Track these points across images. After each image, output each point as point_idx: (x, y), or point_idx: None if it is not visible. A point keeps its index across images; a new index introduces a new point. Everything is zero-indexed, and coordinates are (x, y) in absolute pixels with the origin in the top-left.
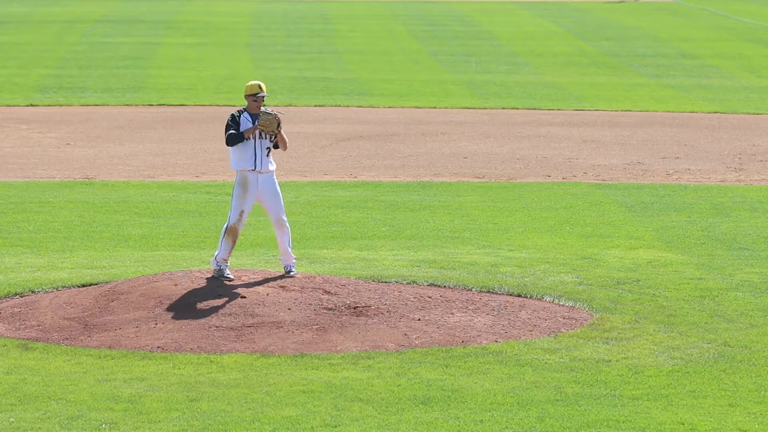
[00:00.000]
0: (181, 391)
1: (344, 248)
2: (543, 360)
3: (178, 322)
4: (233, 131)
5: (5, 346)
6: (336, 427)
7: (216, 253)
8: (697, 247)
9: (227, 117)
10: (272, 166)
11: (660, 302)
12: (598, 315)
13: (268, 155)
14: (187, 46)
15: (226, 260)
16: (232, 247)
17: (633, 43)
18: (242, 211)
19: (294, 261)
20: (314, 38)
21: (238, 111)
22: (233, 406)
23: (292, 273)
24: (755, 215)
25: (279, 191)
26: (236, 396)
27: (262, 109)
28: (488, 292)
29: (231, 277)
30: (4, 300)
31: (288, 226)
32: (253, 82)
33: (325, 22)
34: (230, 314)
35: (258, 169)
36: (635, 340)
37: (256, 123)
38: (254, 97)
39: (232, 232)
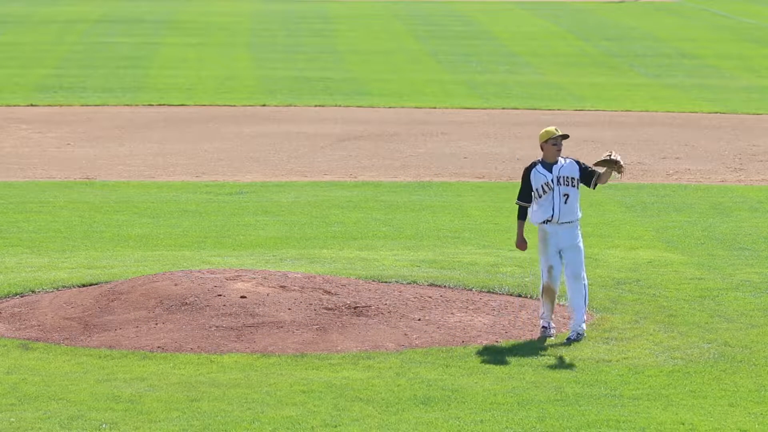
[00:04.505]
0: (181, 391)
1: (344, 248)
2: (543, 360)
3: (178, 322)
4: (524, 202)
5: (5, 346)
6: (336, 427)
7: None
8: (697, 247)
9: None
10: (574, 216)
11: (660, 302)
12: (598, 315)
13: (566, 202)
14: (187, 46)
15: (549, 319)
16: (552, 306)
17: (633, 43)
18: (551, 267)
19: (584, 326)
20: (314, 38)
21: (532, 163)
22: (233, 406)
23: (578, 338)
24: (755, 215)
25: (581, 245)
26: (236, 396)
27: (605, 156)
28: (488, 292)
29: (552, 334)
30: (4, 300)
31: (586, 284)
32: (548, 128)
33: (325, 22)
34: (230, 314)
35: (556, 219)
36: (635, 340)
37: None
38: (554, 140)
39: (548, 292)
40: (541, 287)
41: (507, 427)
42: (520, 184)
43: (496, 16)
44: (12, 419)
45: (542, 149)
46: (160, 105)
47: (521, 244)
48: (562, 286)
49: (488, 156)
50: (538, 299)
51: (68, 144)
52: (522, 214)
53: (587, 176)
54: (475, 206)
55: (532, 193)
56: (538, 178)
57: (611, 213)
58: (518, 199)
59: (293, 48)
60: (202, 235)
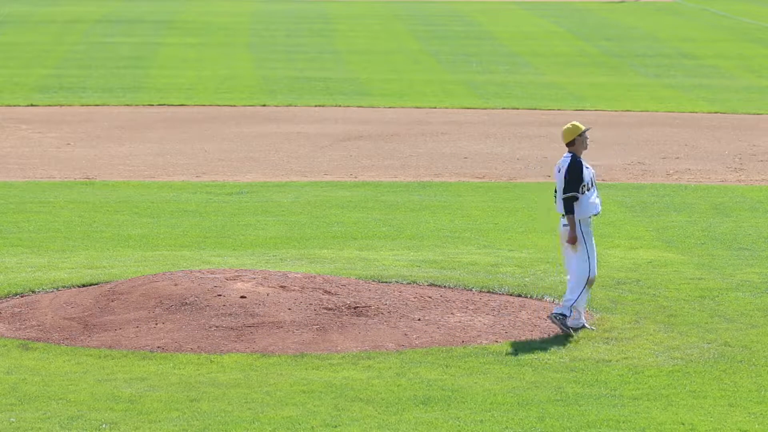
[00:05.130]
0: (181, 391)
1: (344, 248)
2: (543, 360)
3: (178, 322)
4: (579, 193)
5: (5, 346)
6: (336, 427)
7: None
8: (697, 247)
9: (570, 165)
10: None
11: (660, 302)
12: (598, 315)
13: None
14: (187, 46)
15: (580, 312)
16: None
17: (633, 43)
18: (591, 257)
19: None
20: (314, 38)
21: (575, 157)
22: (233, 406)
23: (565, 324)
24: (755, 215)
25: None
26: (236, 396)
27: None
28: (488, 292)
29: (590, 327)
30: (4, 300)
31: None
32: (574, 123)
33: (325, 22)
34: (230, 314)
35: (599, 212)
36: (635, 340)
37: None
38: (584, 134)
39: (591, 283)
40: (587, 279)
41: (507, 427)
42: (570, 176)
43: (496, 16)
44: (12, 419)
45: (574, 143)
46: (160, 105)
47: (577, 236)
48: (564, 286)
49: (488, 156)
50: (539, 299)
51: (68, 144)
52: (572, 208)
53: None
54: (475, 206)
55: (582, 186)
56: (588, 171)
57: (611, 213)
58: (572, 190)
59: (293, 48)
60: (202, 235)
